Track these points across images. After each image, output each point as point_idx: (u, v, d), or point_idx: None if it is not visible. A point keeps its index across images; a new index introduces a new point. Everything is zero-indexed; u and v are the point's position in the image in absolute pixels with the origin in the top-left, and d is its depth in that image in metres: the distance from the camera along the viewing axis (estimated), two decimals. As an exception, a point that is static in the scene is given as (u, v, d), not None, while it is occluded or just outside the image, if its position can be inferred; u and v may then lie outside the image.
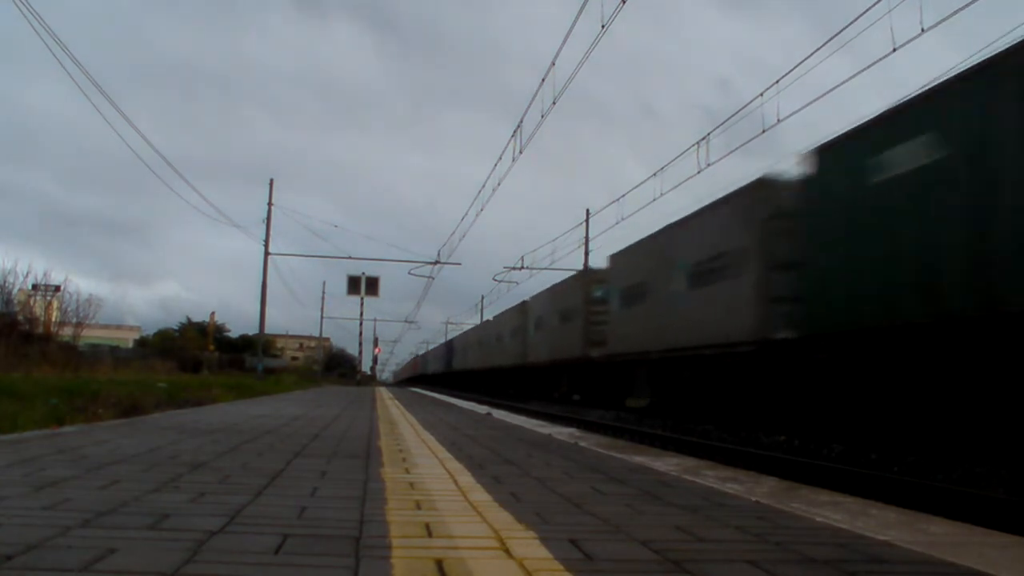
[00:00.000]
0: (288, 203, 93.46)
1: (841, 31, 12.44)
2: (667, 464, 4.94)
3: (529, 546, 2.28)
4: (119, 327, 65.78)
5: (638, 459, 5.19)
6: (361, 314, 53.65)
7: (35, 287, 29.01)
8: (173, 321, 78.17)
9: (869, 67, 12.34)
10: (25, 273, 27.92)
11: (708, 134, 17.67)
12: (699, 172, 17.84)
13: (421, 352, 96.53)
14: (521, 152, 19.25)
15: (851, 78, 13.21)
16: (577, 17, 12.58)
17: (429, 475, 3.92)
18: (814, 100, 14.18)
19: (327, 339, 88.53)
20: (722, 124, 17.37)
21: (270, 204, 33.29)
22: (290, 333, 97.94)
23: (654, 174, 21.21)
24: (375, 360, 69.08)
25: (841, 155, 10.88)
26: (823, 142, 11.31)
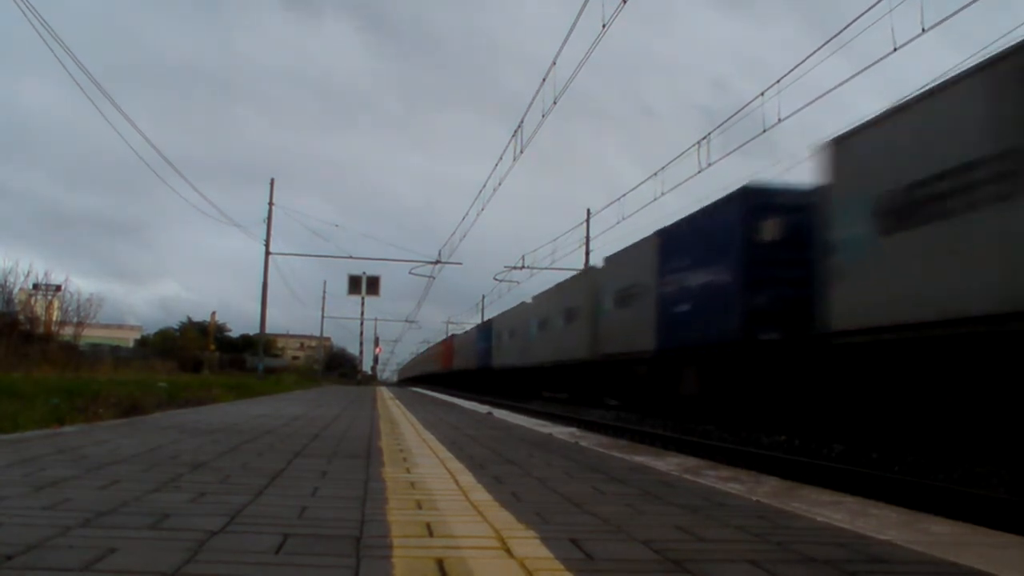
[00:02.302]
0: (286, 203, 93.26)
1: (841, 32, 12.43)
2: (668, 464, 4.94)
3: (530, 546, 2.28)
4: (120, 327, 65.84)
5: (639, 459, 5.18)
6: (362, 314, 53.66)
7: (36, 287, 29.02)
8: (173, 321, 78.24)
9: (869, 67, 12.32)
10: (26, 273, 27.97)
11: (708, 134, 17.71)
12: (699, 172, 17.89)
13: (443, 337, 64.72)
14: (522, 152, 19.29)
15: (851, 78, 13.19)
16: (578, 17, 12.58)
17: (430, 475, 3.92)
18: (813, 100, 14.18)
19: (328, 339, 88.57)
20: (723, 124, 17.39)
21: (271, 204, 33.29)
22: (291, 333, 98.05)
23: (655, 174, 21.27)
24: (376, 360, 69.11)
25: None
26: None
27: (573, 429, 12.37)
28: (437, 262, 35.20)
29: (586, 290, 22.55)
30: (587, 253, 34.12)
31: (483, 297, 60.09)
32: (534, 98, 16.36)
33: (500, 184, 22.85)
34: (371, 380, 61.76)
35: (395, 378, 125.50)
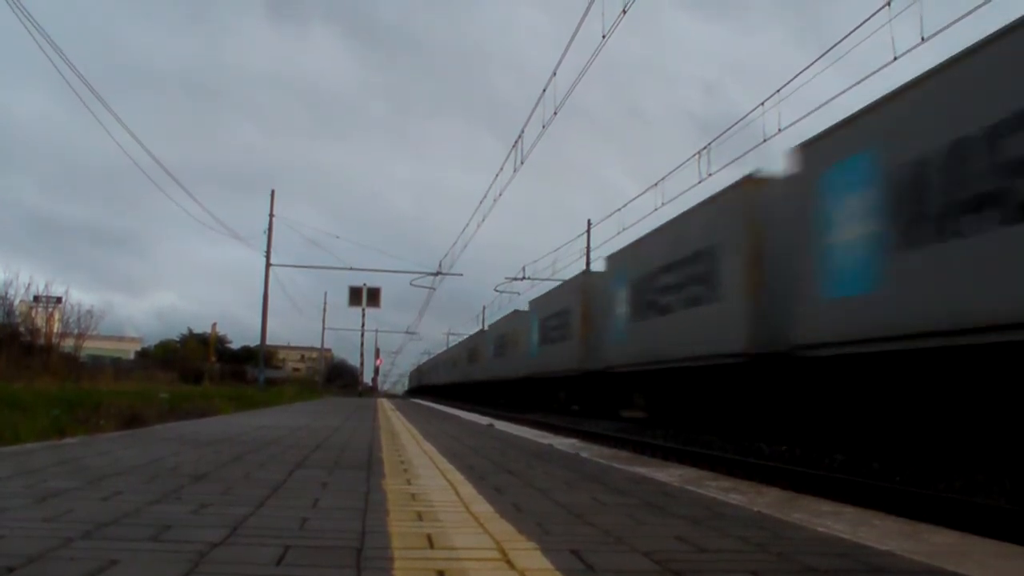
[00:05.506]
0: (281, 213, 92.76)
1: (840, 41, 12.48)
2: (669, 475, 4.94)
3: (531, 557, 2.28)
4: (120, 338, 65.75)
5: (640, 470, 5.18)
6: (363, 325, 53.60)
7: (36, 298, 29.00)
8: (172, 332, 78.21)
9: (869, 76, 12.34)
10: (26, 284, 27.93)
11: (708, 145, 17.77)
12: (700, 182, 17.94)
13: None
14: (522, 163, 19.36)
15: (850, 88, 13.21)
16: (578, 27, 12.66)
17: (431, 486, 3.92)
18: (814, 111, 14.21)
19: (328, 350, 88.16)
20: (722, 134, 17.44)
21: (271, 215, 33.35)
22: (291, 344, 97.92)
23: (655, 184, 21.34)
24: (376, 371, 68.93)
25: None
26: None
27: (574, 440, 12.36)
28: (438, 273, 35.30)
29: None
30: (588, 264, 34.15)
31: (484, 308, 59.98)
32: (534, 109, 16.47)
33: (500, 195, 22.94)
34: (372, 391, 61.67)
35: (402, 388, 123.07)
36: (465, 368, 49.03)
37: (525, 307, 33.32)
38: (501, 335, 36.92)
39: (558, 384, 26.68)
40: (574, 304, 24.54)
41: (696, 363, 14.79)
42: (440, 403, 36.12)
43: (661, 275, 16.78)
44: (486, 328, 44.86)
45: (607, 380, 21.02)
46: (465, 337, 57.61)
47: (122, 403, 11.67)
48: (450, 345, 67.92)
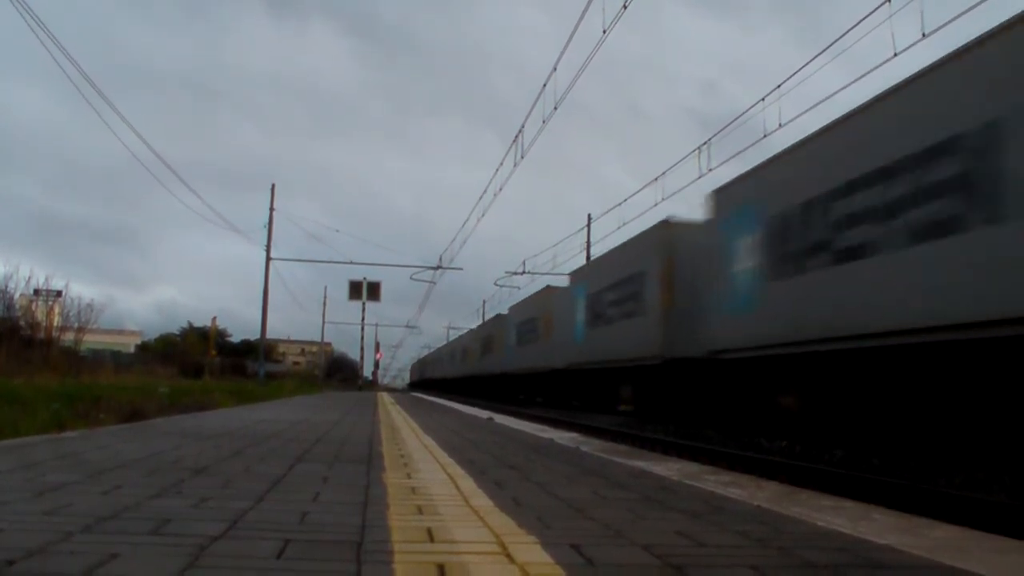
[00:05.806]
0: (281, 208, 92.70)
1: (841, 37, 12.45)
2: (668, 469, 4.94)
3: (531, 551, 2.28)
4: (120, 332, 65.81)
5: (639, 464, 5.18)
6: (363, 319, 53.64)
7: (36, 292, 29.00)
8: (172, 326, 78.22)
9: (869, 72, 12.29)
10: (27, 278, 27.93)
11: (708, 140, 17.73)
12: (700, 177, 17.91)
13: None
14: (523, 158, 19.32)
15: (851, 84, 13.16)
16: (579, 23, 12.63)
17: (431, 480, 3.92)
18: (814, 106, 14.18)
19: (328, 344, 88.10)
20: (723, 129, 17.40)
21: (272, 209, 33.34)
22: (292, 338, 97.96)
23: (655, 179, 21.31)
24: (376, 365, 68.92)
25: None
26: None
27: (574, 434, 12.36)
28: (438, 267, 35.31)
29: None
30: (588, 258, 34.15)
31: (484, 302, 59.84)
32: (534, 104, 16.45)
33: (500, 190, 22.87)
34: (372, 385, 61.69)
35: (402, 382, 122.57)
36: (478, 359, 42.63)
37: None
38: (529, 318, 30.64)
39: (618, 376, 20.06)
40: (650, 266, 17.52)
41: (940, 337, 8.72)
42: (444, 398, 35.09)
43: (840, 198, 10.52)
44: (506, 311, 36.91)
45: (712, 370, 14.83)
46: (472, 328, 51.19)
47: (122, 397, 11.68)
48: (450, 338, 66.98)
